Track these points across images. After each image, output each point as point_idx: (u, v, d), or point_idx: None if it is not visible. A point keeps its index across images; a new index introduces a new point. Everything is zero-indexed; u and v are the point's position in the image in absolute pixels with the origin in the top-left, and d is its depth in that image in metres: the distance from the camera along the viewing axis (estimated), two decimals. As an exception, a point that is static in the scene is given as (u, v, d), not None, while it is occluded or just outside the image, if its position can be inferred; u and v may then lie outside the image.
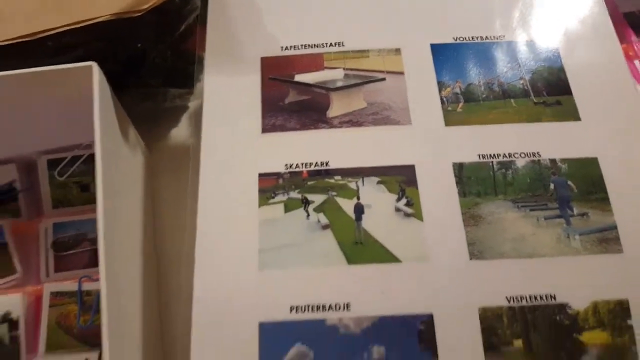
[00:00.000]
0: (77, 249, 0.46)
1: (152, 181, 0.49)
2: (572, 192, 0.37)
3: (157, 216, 0.48)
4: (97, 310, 0.43)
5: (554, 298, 0.34)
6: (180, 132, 0.53)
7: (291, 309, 0.34)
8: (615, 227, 0.36)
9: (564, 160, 0.38)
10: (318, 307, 0.34)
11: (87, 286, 0.44)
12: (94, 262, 0.46)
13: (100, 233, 0.35)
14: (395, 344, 0.33)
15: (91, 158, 0.49)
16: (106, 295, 0.33)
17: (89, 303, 0.44)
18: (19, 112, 0.45)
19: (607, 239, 0.36)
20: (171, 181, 0.50)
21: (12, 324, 0.43)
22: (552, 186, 0.37)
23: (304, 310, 0.34)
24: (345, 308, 0.34)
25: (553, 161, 0.38)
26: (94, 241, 0.47)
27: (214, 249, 0.36)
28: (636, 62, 0.53)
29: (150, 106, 0.51)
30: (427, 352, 0.33)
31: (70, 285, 0.44)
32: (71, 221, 0.47)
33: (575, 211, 0.37)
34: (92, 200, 0.48)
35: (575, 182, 0.38)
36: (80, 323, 0.43)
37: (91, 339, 0.43)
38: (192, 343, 0.33)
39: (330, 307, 0.34)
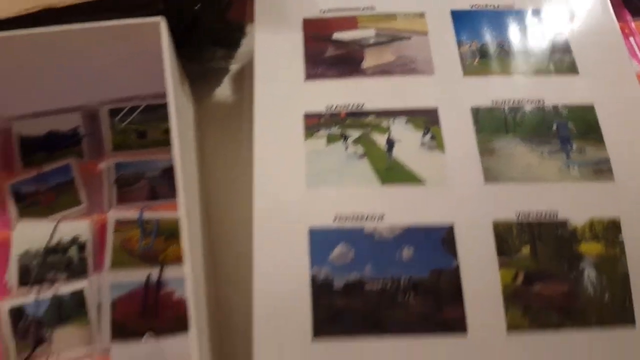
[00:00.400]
0: (136, 185, 0.52)
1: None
2: (571, 132, 0.44)
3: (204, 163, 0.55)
4: (157, 235, 0.50)
5: (556, 215, 0.40)
6: (223, 91, 0.60)
7: (335, 218, 0.40)
8: (608, 161, 0.43)
9: (564, 107, 0.45)
10: (357, 217, 0.40)
11: (146, 216, 0.50)
12: (151, 196, 0.52)
13: (178, 168, 0.41)
14: (422, 247, 0.39)
15: (148, 108, 0.55)
16: (185, 216, 0.39)
17: (149, 229, 0.50)
18: (85, 65, 0.51)
19: (601, 170, 0.42)
20: (214, 133, 0.56)
21: (81, 247, 0.49)
22: (554, 127, 0.44)
23: (346, 219, 0.40)
24: (380, 219, 0.40)
25: (555, 107, 0.45)
26: (151, 179, 0.53)
27: (269, 174, 0.42)
28: (631, 39, 0.59)
29: (196, 67, 0.58)
30: (449, 254, 0.39)
31: (132, 214, 0.50)
32: (130, 162, 0.53)
33: (574, 147, 0.43)
34: (148, 145, 0.55)
35: (575, 124, 0.44)
36: (142, 246, 0.49)
37: (152, 260, 0.49)
38: (254, 246, 0.40)
39: (367, 217, 0.40)
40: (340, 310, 0.38)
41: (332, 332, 0.37)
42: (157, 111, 0.55)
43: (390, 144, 0.43)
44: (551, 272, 0.39)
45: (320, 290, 0.38)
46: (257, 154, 0.43)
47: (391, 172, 0.42)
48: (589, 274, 0.39)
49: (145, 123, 0.55)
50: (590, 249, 0.40)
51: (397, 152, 0.43)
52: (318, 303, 0.38)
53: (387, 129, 0.44)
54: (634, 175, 0.42)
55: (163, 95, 0.55)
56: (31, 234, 0.50)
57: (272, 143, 0.43)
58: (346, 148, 0.43)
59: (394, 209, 0.40)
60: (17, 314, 0.47)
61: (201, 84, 0.59)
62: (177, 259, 0.49)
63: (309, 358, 0.37)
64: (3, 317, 0.46)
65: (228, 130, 0.56)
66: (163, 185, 0.53)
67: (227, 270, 0.48)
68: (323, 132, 0.44)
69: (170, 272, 0.48)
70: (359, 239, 0.39)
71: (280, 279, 0.39)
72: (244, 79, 0.56)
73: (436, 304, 0.38)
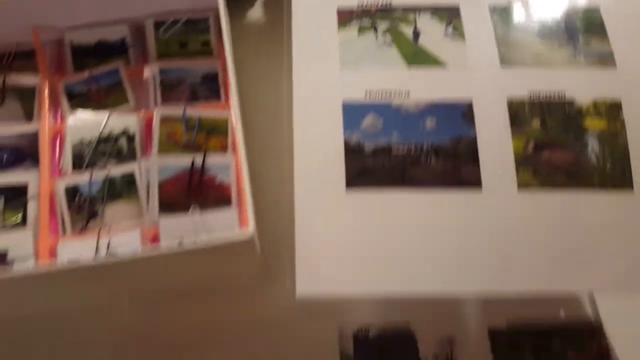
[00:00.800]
0: (179, 88, 0.57)
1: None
2: (579, 29, 0.48)
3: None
4: (198, 130, 0.55)
5: (564, 95, 0.45)
6: (254, 13, 0.65)
7: (365, 93, 0.45)
8: (611, 53, 0.47)
9: (572, 9, 0.49)
10: (385, 93, 0.45)
11: (189, 113, 0.55)
12: (191, 98, 0.57)
13: (231, 72, 0.46)
14: (444, 119, 0.44)
15: (189, 22, 0.60)
16: (237, 107, 0.44)
17: (191, 125, 0.55)
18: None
19: (605, 60, 0.47)
20: (246, 50, 0.61)
21: (129, 138, 0.54)
22: (563, 24, 0.49)
23: (375, 95, 0.45)
24: (406, 95, 0.45)
25: (564, 10, 0.49)
26: (191, 84, 0.58)
27: (307, 60, 0.47)
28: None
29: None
30: (467, 123, 0.44)
31: (176, 112, 0.55)
32: (173, 68, 0.58)
33: (581, 40, 0.48)
34: (188, 55, 0.59)
35: (582, 23, 0.49)
36: (185, 139, 0.54)
37: (195, 150, 0.53)
38: (294, 118, 0.44)
39: (394, 93, 0.45)
40: (369, 168, 0.43)
41: (362, 184, 0.42)
42: (197, 24, 0.60)
43: (416, 34, 0.48)
44: (558, 142, 0.44)
45: (352, 152, 0.43)
46: (295, 44, 0.48)
47: (417, 56, 0.47)
48: (593, 145, 0.44)
49: (186, 35, 0.60)
50: (594, 124, 0.44)
51: (422, 40, 0.47)
52: (350, 162, 0.43)
53: (413, 22, 0.48)
54: (634, 66, 0.46)
55: (202, 10, 0.60)
56: (84, 126, 0.55)
57: (308, 35, 0.48)
58: (376, 38, 0.48)
59: (419, 87, 0.45)
60: (71, 192, 0.52)
61: (235, 5, 0.63)
62: (218, 150, 0.54)
63: (342, 205, 0.42)
64: (59, 195, 0.51)
65: (259, 48, 0.61)
66: (203, 90, 0.58)
67: (263, 156, 0.53)
68: (355, 24, 0.49)
69: (212, 160, 0.53)
70: (387, 111, 0.44)
71: (318, 144, 0.44)
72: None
73: (455, 165, 0.43)
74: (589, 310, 0.49)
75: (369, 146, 0.43)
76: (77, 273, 0.37)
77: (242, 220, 0.48)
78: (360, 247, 0.41)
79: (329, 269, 0.40)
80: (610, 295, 0.48)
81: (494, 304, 0.49)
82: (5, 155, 0.53)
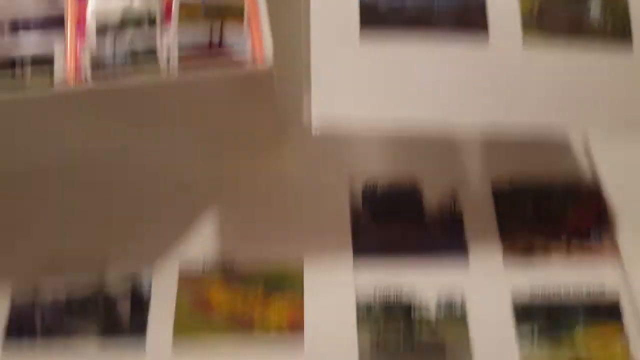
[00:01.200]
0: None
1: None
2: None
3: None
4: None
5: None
6: None
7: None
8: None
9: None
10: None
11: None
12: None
13: None
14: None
15: None
16: None
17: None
18: None
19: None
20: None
21: (151, 20, 0.57)
22: None
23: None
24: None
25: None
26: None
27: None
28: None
29: None
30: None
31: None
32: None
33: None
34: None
35: None
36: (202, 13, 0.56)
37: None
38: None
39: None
40: (383, 21, 0.45)
41: (377, 34, 0.45)
42: None
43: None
44: (562, 4, 0.46)
45: (367, 8, 0.46)
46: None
47: None
48: (594, 7, 0.46)
49: None
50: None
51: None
52: (365, 19, 0.45)
53: None
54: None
55: None
56: (107, 9, 0.57)
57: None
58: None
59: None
60: (96, 62, 0.54)
61: None
62: (235, 27, 0.56)
63: (356, 51, 0.44)
64: (84, 65, 0.54)
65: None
66: (220, -20, 0.60)
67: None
68: None
69: (229, 33, 0.55)
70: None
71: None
72: None
73: (464, 23, 0.45)
74: (588, 168, 0.52)
75: (382, 3, 0.46)
76: (93, 95, 0.40)
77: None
78: (372, 86, 0.44)
79: (343, 103, 0.43)
80: (607, 143, 0.50)
81: (497, 161, 0.52)
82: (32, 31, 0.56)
